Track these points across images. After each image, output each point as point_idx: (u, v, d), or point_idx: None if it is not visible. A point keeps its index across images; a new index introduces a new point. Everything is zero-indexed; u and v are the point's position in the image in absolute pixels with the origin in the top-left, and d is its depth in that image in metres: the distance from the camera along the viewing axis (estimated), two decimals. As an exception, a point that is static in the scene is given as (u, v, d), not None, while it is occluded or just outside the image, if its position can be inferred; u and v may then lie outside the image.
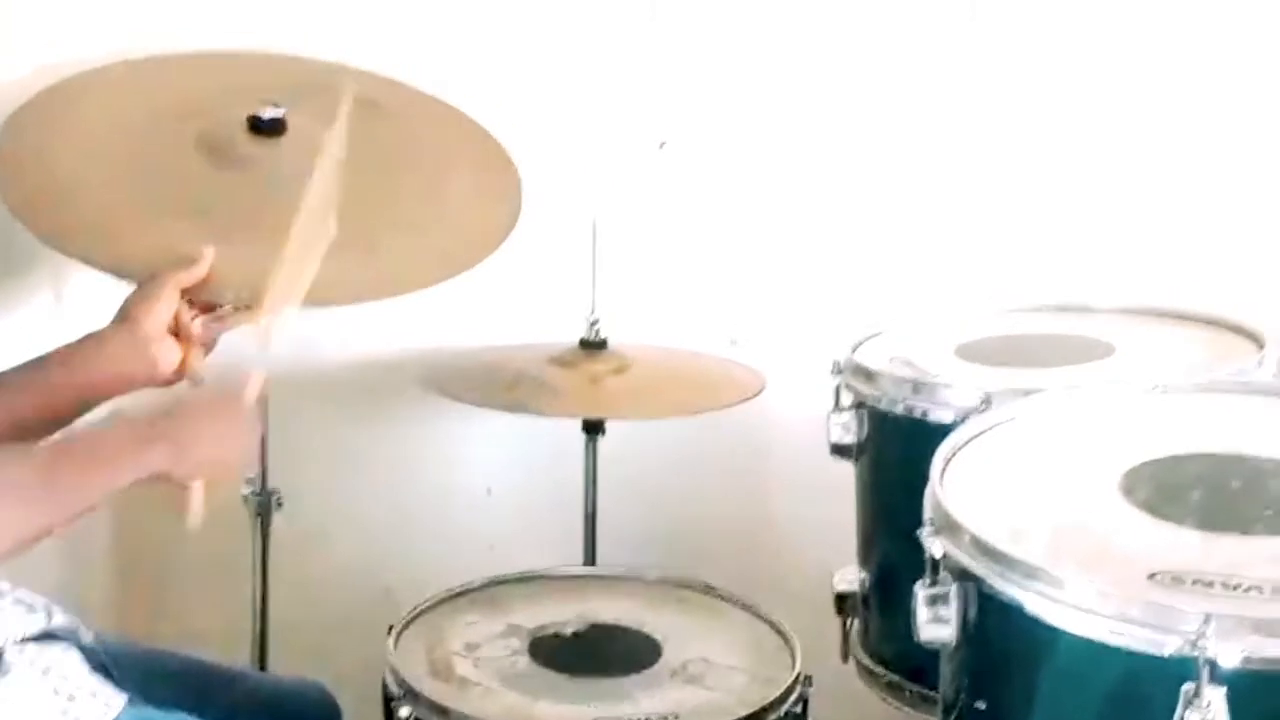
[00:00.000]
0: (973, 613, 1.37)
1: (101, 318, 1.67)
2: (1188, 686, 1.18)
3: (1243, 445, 1.55)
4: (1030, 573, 1.29)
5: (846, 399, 1.93)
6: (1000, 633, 1.35)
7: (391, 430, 2.46)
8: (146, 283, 1.66)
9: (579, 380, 2.13)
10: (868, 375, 1.89)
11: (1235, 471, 1.51)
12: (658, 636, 1.88)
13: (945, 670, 1.47)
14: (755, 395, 2.12)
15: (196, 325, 1.70)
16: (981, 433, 1.61)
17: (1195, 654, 1.18)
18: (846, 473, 1.96)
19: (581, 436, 2.21)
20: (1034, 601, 1.28)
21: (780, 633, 1.88)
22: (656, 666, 1.82)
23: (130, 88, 1.98)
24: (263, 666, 2.20)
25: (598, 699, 1.75)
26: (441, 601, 1.95)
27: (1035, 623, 1.28)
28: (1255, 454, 1.53)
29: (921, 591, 1.39)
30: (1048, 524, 1.44)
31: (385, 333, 2.36)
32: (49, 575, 1.82)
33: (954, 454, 1.55)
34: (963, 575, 1.36)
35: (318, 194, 1.65)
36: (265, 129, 1.87)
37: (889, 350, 1.97)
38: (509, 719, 1.69)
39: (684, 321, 2.37)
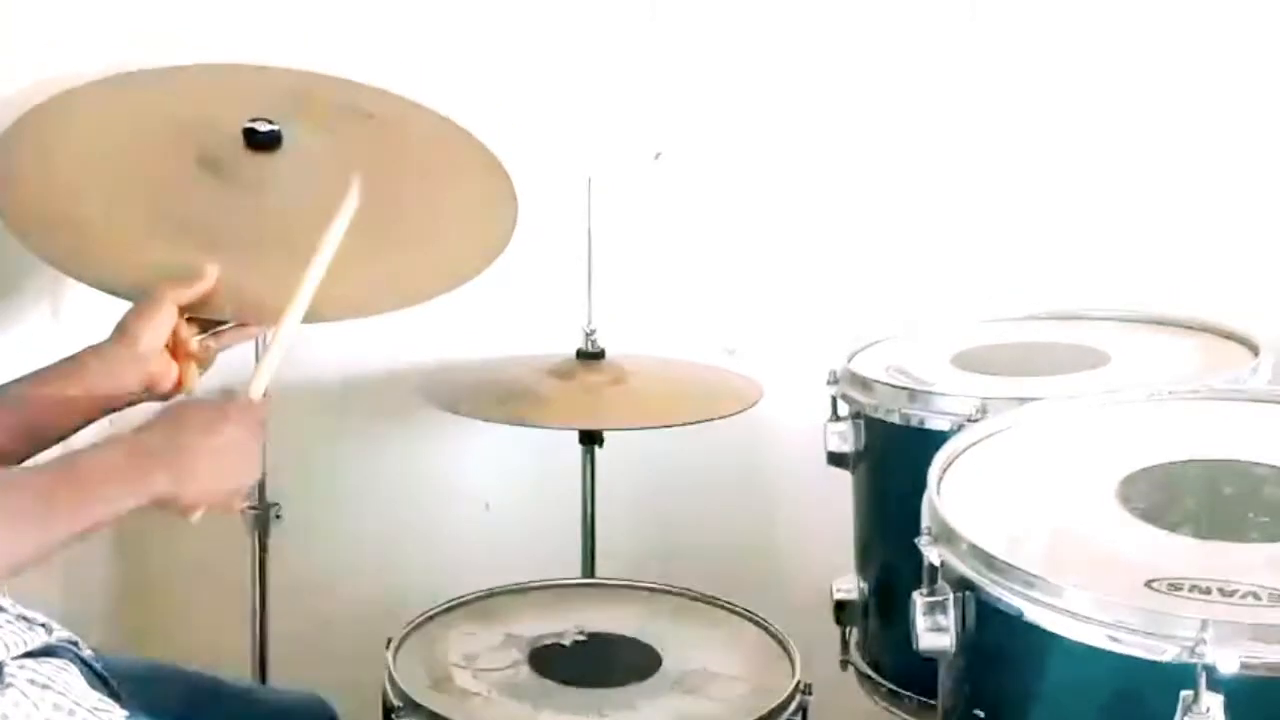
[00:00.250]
0: (971, 621, 1.37)
1: (98, 333, 1.67)
2: (1186, 693, 1.19)
3: (1238, 452, 1.56)
4: (1028, 581, 1.29)
5: (843, 408, 1.93)
6: (998, 640, 1.35)
7: (389, 443, 2.46)
8: (145, 298, 1.66)
9: (576, 391, 2.14)
10: (864, 385, 1.89)
11: (1231, 478, 1.51)
12: (657, 646, 1.88)
13: (944, 678, 1.48)
14: (752, 405, 2.12)
15: (194, 342, 1.70)
16: (978, 441, 1.62)
17: (1193, 660, 1.18)
18: (844, 482, 1.97)
19: (579, 448, 2.21)
20: (1032, 609, 1.29)
21: (779, 641, 1.88)
22: (656, 676, 1.82)
23: (125, 102, 1.98)
24: (263, 679, 2.21)
25: (597, 709, 1.75)
26: (440, 613, 1.95)
27: (1033, 630, 1.29)
28: (1251, 460, 1.54)
29: (920, 600, 1.39)
30: (1045, 532, 1.45)
31: (383, 346, 2.36)
32: (49, 590, 1.82)
33: (951, 462, 1.55)
34: (961, 583, 1.37)
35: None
36: (261, 142, 1.88)
37: (885, 360, 1.98)
38: (509, 730, 1.70)
39: (681, 332, 2.37)
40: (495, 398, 2.13)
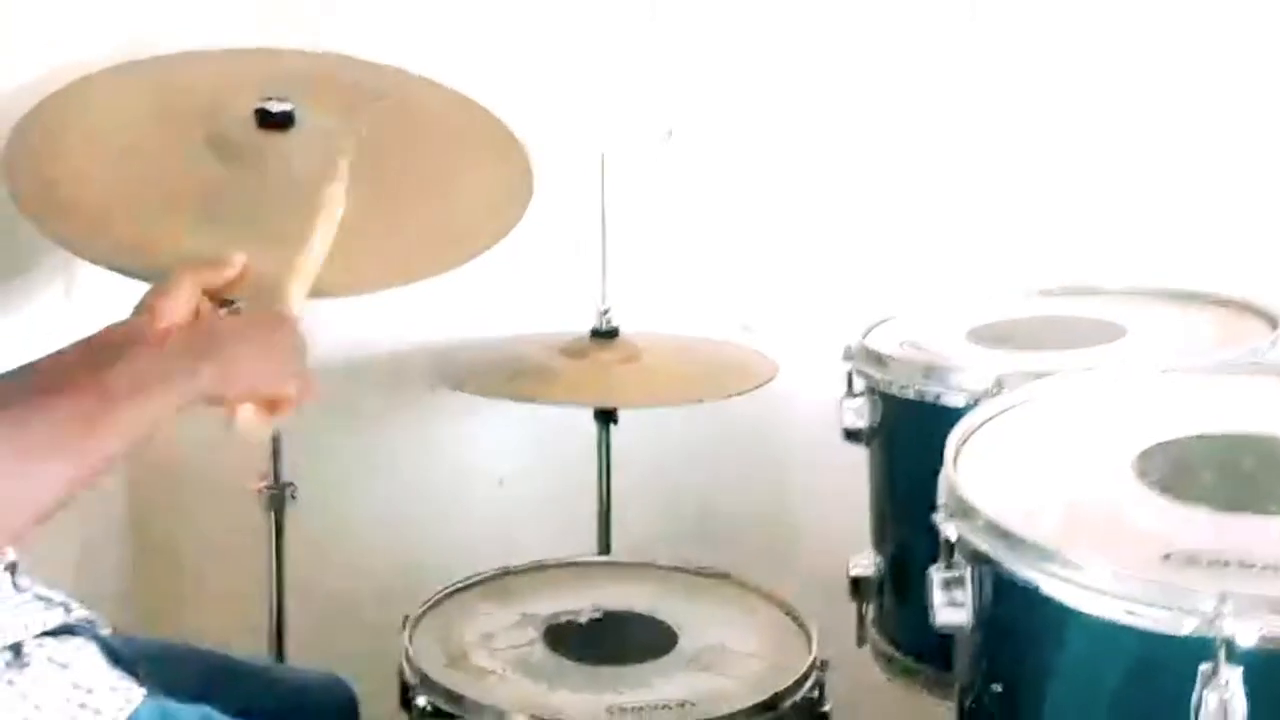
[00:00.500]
0: (988, 596, 1.37)
1: (112, 313, 1.66)
2: (1205, 666, 1.18)
3: (1256, 425, 1.55)
4: (1045, 555, 1.29)
5: (859, 384, 1.93)
6: (1016, 615, 1.35)
7: (404, 422, 2.46)
8: (168, 277, 1.66)
9: (590, 369, 2.14)
10: (879, 360, 1.89)
11: (1249, 451, 1.51)
12: (673, 624, 1.88)
13: (961, 653, 1.48)
14: (767, 382, 2.12)
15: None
16: (994, 416, 1.61)
17: (1212, 634, 1.17)
18: (860, 458, 1.96)
19: (594, 426, 2.21)
20: (1049, 584, 1.28)
21: (795, 618, 1.88)
22: (672, 654, 1.82)
23: (137, 86, 1.98)
24: (280, 658, 2.21)
25: (613, 686, 1.75)
26: (455, 591, 1.95)
27: (1051, 605, 1.28)
28: (1268, 434, 1.53)
29: (936, 575, 1.39)
30: (1062, 506, 1.44)
31: (396, 324, 2.36)
32: (66, 569, 1.82)
33: (967, 438, 1.54)
34: (977, 558, 1.36)
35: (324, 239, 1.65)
36: (274, 122, 1.87)
37: (900, 335, 1.97)
38: (525, 707, 1.69)
39: (695, 309, 2.37)
40: (509, 376, 2.13)
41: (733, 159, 2.37)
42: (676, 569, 2.02)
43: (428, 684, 1.73)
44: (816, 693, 1.75)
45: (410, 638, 1.82)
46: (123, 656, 1.57)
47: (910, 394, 1.84)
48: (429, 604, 1.91)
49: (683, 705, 1.71)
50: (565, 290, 2.27)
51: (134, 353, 1.40)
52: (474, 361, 2.22)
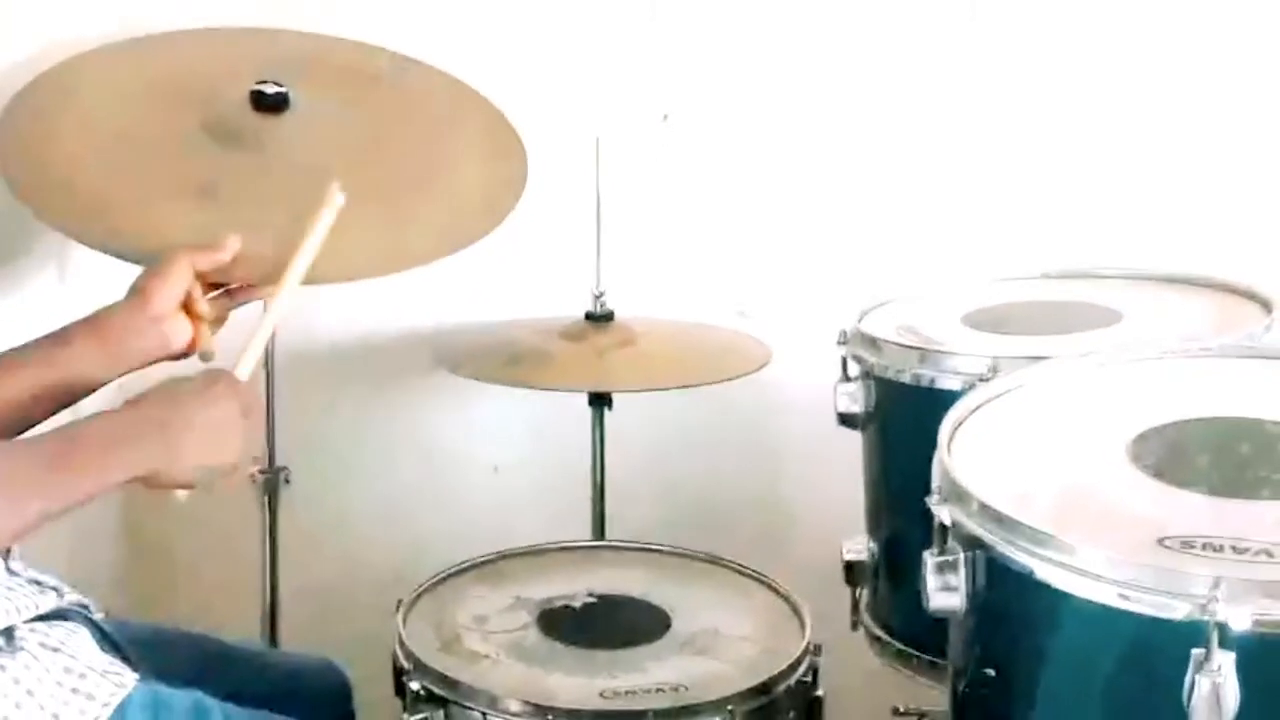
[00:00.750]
0: (982, 580, 1.37)
1: (105, 295, 1.67)
2: (1198, 651, 1.18)
3: (1251, 410, 1.55)
4: (1039, 539, 1.29)
5: (854, 369, 1.93)
6: (1009, 599, 1.34)
7: (398, 406, 2.46)
8: (161, 259, 1.66)
9: (585, 353, 2.13)
10: (874, 344, 1.89)
11: (1243, 436, 1.50)
12: (667, 608, 1.88)
13: (955, 638, 1.48)
14: (762, 366, 2.12)
15: (206, 301, 1.70)
16: (989, 400, 1.61)
17: (1205, 618, 1.17)
18: (854, 442, 1.96)
19: (588, 410, 2.20)
20: (1043, 568, 1.28)
21: (789, 602, 1.88)
22: (666, 638, 1.82)
23: (131, 66, 1.98)
24: (273, 643, 2.21)
25: (607, 670, 1.75)
26: (449, 576, 1.95)
27: (1045, 589, 1.28)
28: (1263, 419, 1.53)
29: (930, 560, 1.39)
30: (1056, 490, 1.44)
31: (391, 309, 2.36)
32: (58, 554, 1.82)
33: (961, 422, 1.54)
34: (971, 543, 1.36)
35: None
36: (269, 105, 1.87)
37: (895, 319, 1.97)
38: (518, 691, 1.69)
39: (690, 293, 2.36)
40: (504, 360, 2.13)
41: (728, 144, 2.36)
42: (670, 553, 2.02)
43: (421, 668, 1.73)
44: (810, 677, 1.75)
45: (403, 621, 1.82)
46: (115, 641, 1.57)
47: (905, 378, 1.84)
48: (422, 588, 1.91)
49: (676, 689, 1.71)
50: (560, 274, 2.26)
51: (106, 416, 1.46)
52: (469, 345, 2.22)
